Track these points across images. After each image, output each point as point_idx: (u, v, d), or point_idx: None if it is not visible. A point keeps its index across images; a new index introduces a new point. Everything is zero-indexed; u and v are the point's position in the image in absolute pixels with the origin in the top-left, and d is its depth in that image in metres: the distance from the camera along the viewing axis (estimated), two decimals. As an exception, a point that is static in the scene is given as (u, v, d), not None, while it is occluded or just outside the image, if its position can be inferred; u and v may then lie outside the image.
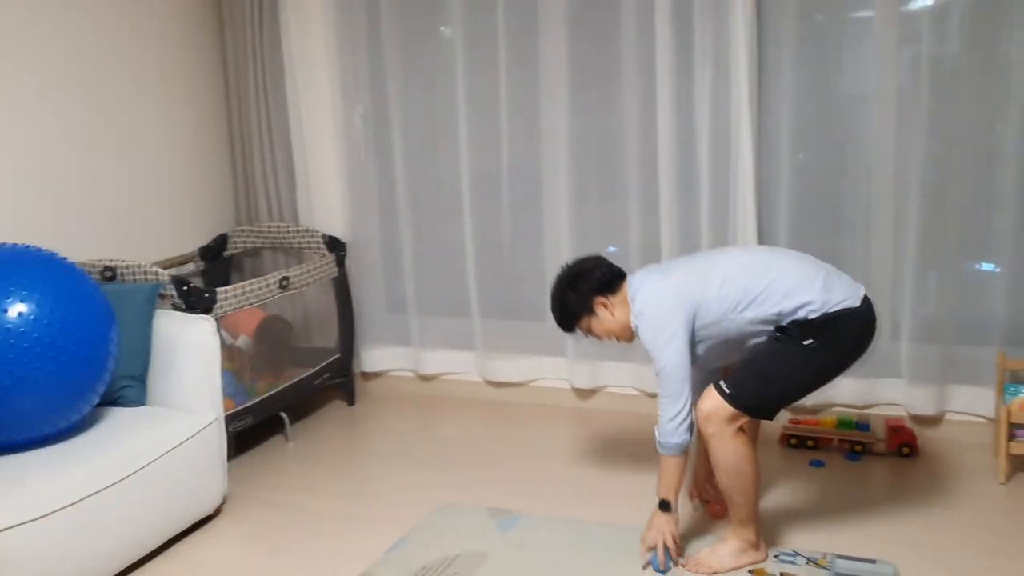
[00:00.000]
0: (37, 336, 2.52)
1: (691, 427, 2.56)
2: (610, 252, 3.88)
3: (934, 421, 3.55)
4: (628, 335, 2.73)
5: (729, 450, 2.55)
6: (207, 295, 3.28)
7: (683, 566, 2.66)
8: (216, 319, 3.27)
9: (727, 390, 2.54)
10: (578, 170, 3.85)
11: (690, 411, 2.55)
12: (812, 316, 2.52)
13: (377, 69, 4.12)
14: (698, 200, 3.68)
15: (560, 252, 3.93)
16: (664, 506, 2.64)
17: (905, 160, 3.43)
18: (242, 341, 3.97)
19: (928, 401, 3.48)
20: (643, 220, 3.80)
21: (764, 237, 3.64)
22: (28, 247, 2.71)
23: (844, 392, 3.60)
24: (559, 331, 3.62)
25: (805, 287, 2.54)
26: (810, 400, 3.63)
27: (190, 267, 4.09)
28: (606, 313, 2.70)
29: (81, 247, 3.56)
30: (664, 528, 2.64)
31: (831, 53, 3.51)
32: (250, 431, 3.82)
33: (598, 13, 3.74)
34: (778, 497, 3.11)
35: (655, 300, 2.59)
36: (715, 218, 3.64)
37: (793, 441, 3.51)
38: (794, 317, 2.53)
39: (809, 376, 2.60)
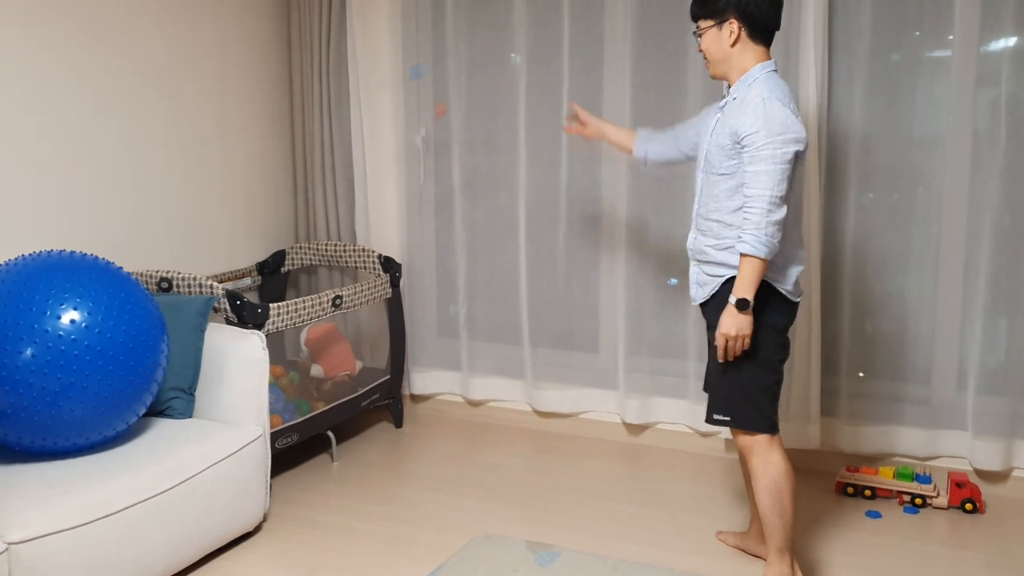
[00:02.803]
0: (87, 344, 2.54)
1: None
2: (671, 284, 3.81)
3: (1000, 477, 3.38)
4: (719, 71, 2.59)
5: (770, 465, 2.56)
6: (260, 310, 3.29)
7: None
8: (262, 332, 3.28)
9: (725, 417, 2.60)
10: (638, 201, 3.80)
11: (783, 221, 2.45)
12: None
13: (440, 93, 4.13)
14: (759, 236, 3.58)
15: (615, 283, 3.88)
16: (743, 305, 2.44)
17: (978, 204, 3.31)
18: (316, 370, 3.97)
19: (994, 456, 3.32)
20: (702, 254, 3.72)
21: (827, 275, 3.53)
22: (85, 255, 2.74)
23: (905, 442, 3.47)
24: (611, 362, 3.44)
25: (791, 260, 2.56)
26: (869, 449, 3.50)
27: (247, 281, 4.12)
28: (726, 36, 2.53)
29: (142, 257, 3.62)
30: (742, 329, 2.45)
31: (904, 92, 3.41)
32: (296, 448, 3.82)
33: (664, 44, 3.70)
34: (831, 546, 2.99)
35: (785, 106, 2.43)
36: (776, 255, 3.54)
37: (850, 490, 3.38)
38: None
39: (758, 363, 2.55)
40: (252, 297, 4.21)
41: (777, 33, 3.37)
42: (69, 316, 2.54)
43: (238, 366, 3.09)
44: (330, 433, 3.77)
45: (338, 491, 3.49)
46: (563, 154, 3.93)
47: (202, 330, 3.13)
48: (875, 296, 3.53)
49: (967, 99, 3.29)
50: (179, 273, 3.34)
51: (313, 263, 4.25)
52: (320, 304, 3.57)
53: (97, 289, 2.61)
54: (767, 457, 2.56)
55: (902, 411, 3.49)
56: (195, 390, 3.11)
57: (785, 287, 2.55)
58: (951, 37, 3.30)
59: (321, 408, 3.68)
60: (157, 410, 3.05)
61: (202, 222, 3.93)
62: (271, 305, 3.34)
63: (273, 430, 3.41)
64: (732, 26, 2.52)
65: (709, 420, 2.65)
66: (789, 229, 2.52)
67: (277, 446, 3.43)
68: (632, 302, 3.85)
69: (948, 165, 3.36)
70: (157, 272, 3.37)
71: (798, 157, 2.46)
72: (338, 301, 3.66)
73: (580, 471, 3.67)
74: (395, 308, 4.06)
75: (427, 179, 4.22)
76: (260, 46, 4.16)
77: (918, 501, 3.28)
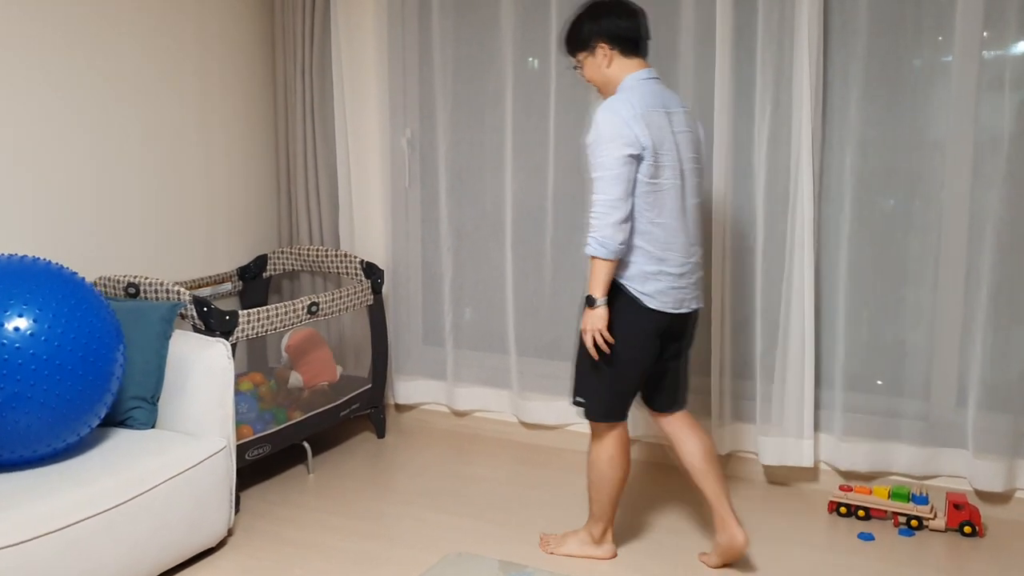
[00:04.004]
0: (33, 352, 2.43)
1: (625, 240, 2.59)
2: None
3: (1002, 499, 3.22)
4: (606, 93, 2.73)
5: (602, 451, 2.77)
6: (227, 318, 3.18)
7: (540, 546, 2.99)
8: (229, 340, 3.18)
9: (581, 400, 2.78)
10: (626, 206, 3.66)
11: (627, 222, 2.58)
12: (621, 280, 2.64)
13: (427, 94, 4.01)
14: (752, 243, 3.45)
15: (603, 291, 3.74)
16: (591, 302, 2.63)
17: (980, 211, 3.16)
18: (295, 378, 3.86)
19: (996, 476, 3.15)
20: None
21: (822, 284, 3.39)
22: (36, 259, 2.63)
23: (901, 460, 3.31)
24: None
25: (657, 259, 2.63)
26: (864, 466, 3.35)
27: (227, 287, 4.02)
28: (602, 60, 2.69)
29: (116, 261, 3.52)
30: (595, 324, 2.63)
31: (903, 95, 3.26)
32: (272, 459, 3.71)
33: (653, 41, 3.55)
34: (821, 570, 2.84)
35: (616, 115, 2.56)
36: (769, 263, 3.40)
37: (842, 510, 3.23)
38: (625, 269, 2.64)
39: (608, 363, 2.69)
40: (233, 303, 4.11)
41: (771, 29, 3.28)
42: (14, 323, 2.43)
43: (202, 375, 2.98)
44: (306, 444, 3.65)
45: (312, 504, 3.37)
46: (550, 157, 3.80)
47: (166, 337, 3.02)
48: (871, 307, 3.38)
49: (969, 102, 3.13)
50: (146, 278, 3.23)
51: (295, 268, 4.13)
52: (295, 311, 3.45)
53: (45, 295, 2.50)
54: (601, 443, 2.78)
55: (899, 427, 3.33)
56: (158, 400, 3.00)
57: (639, 289, 2.64)
58: (953, 38, 3.15)
59: (296, 418, 3.56)
60: (117, 420, 2.94)
61: (180, 225, 3.82)
62: (240, 312, 3.22)
63: (243, 441, 3.30)
64: (604, 49, 2.67)
65: (572, 402, 2.83)
66: (648, 239, 2.61)
67: (247, 457, 3.32)
68: (620, 311, 3.71)
69: (948, 171, 3.21)
70: (125, 277, 3.27)
71: (642, 163, 2.56)
72: (314, 308, 3.54)
73: (564, 486, 3.53)
74: (377, 315, 3.94)
75: (412, 182, 4.11)
76: (242, 44, 4.05)
77: (914, 523, 3.12)
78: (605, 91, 2.72)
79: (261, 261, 4.14)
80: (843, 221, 3.34)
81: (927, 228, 3.27)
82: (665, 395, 2.87)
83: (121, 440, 2.84)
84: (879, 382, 3.41)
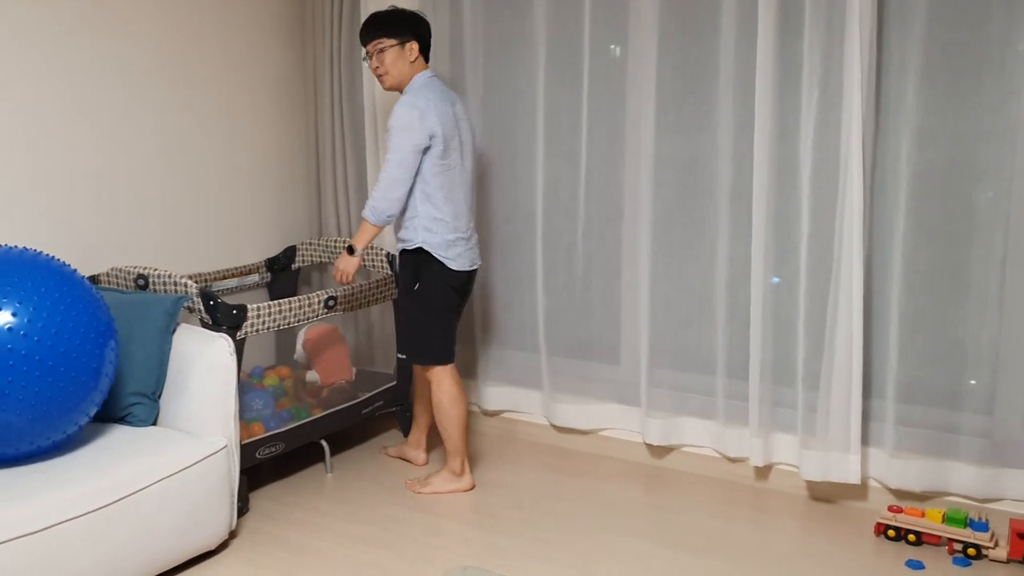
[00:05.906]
0: (11, 347, 2.33)
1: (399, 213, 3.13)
2: (774, 283, 3.43)
3: (1073, 527, 2.89)
4: (395, 83, 3.17)
5: (441, 392, 3.24)
6: (235, 312, 3.06)
7: (406, 488, 3.37)
8: (236, 335, 3.06)
9: (403, 356, 3.45)
10: (662, 197, 3.43)
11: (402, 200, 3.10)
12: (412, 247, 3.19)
13: (457, 79, 3.83)
14: (797, 239, 3.18)
15: (638, 287, 3.51)
16: (351, 250, 3.16)
17: (1053, 207, 2.83)
18: (312, 376, 3.75)
19: (1066, 502, 2.84)
20: (732, 256, 3.33)
21: (872, 285, 3.11)
22: (24, 249, 2.54)
23: (959, 480, 3.01)
24: (633, 376, 3.61)
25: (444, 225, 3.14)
26: (918, 486, 3.06)
27: (254, 278, 3.92)
28: (407, 55, 3.14)
29: (143, 251, 3.46)
30: (346, 267, 3.18)
31: (968, 79, 2.94)
32: (293, 456, 3.59)
33: (693, 21, 3.31)
34: (856, 604, 2.59)
35: (414, 109, 3.02)
36: (814, 260, 3.13)
37: (890, 533, 2.94)
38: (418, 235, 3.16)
39: (429, 313, 3.23)
40: (262, 294, 4.01)
41: (819, 5, 3.01)
42: (-5, 318, 2.34)
43: (204, 371, 2.86)
44: (323, 443, 3.52)
45: (324, 507, 3.24)
46: (583, 145, 3.58)
47: (169, 331, 2.92)
48: (928, 310, 3.07)
49: (1042, 84, 2.81)
50: (155, 270, 3.14)
51: (323, 260, 4.01)
52: (311, 305, 3.32)
53: (27, 288, 2.40)
54: (439, 386, 3.25)
55: (957, 444, 3.03)
56: (159, 396, 2.90)
57: (444, 255, 3.15)
58: None
59: (313, 415, 3.43)
60: (117, 416, 2.85)
61: (206, 215, 3.73)
62: (249, 306, 3.10)
63: (254, 439, 3.18)
64: (412, 46, 3.14)
65: (398, 356, 3.52)
66: (445, 212, 3.11)
67: (258, 456, 3.20)
68: (656, 310, 3.48)
69: (1020, 163, 2.88)
70: (135, 268, 3.18)
71: (433, 149, 3.04)
72: (332, 303, 3.40)
73: (590, 496, 3.32)
74: (402, 310, 3.78)
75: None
76: (269, 29, 3.93)
77: (971, 551, 2.82)
78: (396, 83, 3.16)
79: (290, 252, 4.03)
80: (897, 217, 3.04)
81: (993, 225, 2.95)
82: None
83: (116, 438, 2.74)
84: (972, 382, 3.04)
